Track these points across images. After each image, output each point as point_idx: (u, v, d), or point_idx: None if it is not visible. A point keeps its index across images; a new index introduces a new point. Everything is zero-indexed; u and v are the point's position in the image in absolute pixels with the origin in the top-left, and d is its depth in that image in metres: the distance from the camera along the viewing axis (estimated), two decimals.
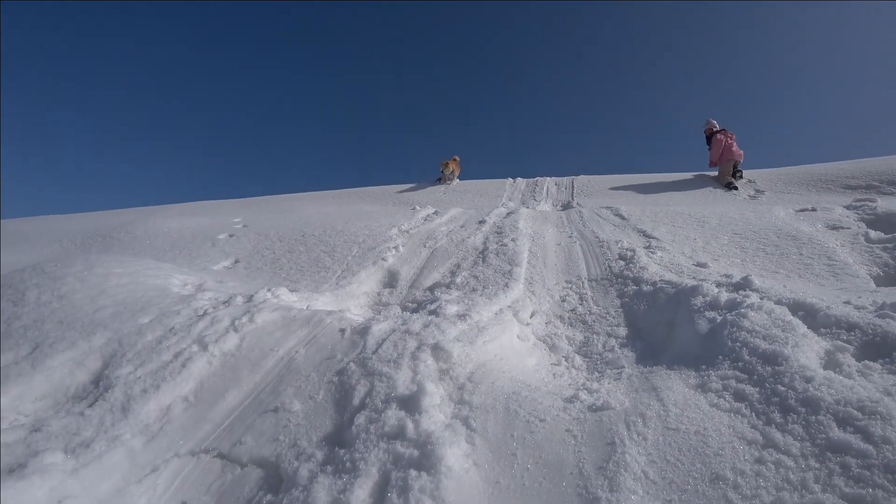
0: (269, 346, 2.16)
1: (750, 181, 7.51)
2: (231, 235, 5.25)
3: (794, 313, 1.92)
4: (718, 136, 8.05)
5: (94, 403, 1.89)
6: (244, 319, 2.34)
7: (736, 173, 7.69)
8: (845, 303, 2.03)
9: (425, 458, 1.33)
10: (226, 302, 2.64)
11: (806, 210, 4.64)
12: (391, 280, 3.55)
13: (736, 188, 7.30)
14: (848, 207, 4.62)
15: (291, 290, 3.09)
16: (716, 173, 8.14)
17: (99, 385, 2.02)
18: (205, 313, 2.45)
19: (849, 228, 3.86)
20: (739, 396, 1.47)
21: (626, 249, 3.57)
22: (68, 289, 2.79)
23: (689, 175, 8.67)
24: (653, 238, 3.98)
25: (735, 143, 7.92)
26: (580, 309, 2.79)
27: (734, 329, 1.81)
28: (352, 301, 3.17)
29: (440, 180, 9.85)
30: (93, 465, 1.58)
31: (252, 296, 2.75)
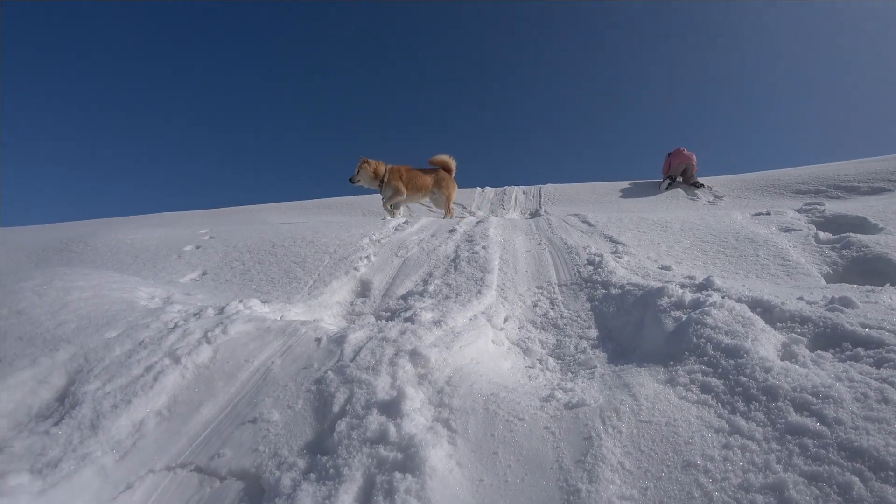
0: (243, 358, 2.13)
1: (709, 187, 7.84)
2: (198, 247, 5.13)
3: (752, 310, 2.03)
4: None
5: (61, 421, 1.82)
6: (217, 331, 2.30)
7: (695, 183, 8.11)
8: (798, 299, 2.15)
9: (409, 461, 1.34)
10: (196, 314, 2.59)
11: (761, 214, 4.87)
12: (364, 290, 3.55)
13: (676, 183, 7.93)
14: (799, 211, 4.88)
15: (263, 302, 3.05)
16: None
17: (65, 402, 1.95)
18: (175, 326, 2.40)
19: (800, 230, 4.08)
20: (706, 388, 1.55)
21: (594, 255, 3.67)
22: (27, 304, 2.68)
23: (651, 181, 8.98)
24: (619, 243, 4.11)
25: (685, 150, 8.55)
26: (552, 313, 2.85)
27: (698, 326, 1.90)
28: (325, 311, 3.15)
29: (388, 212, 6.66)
30: (62, 486, 1.53)
31: (223, 307, 2.71)
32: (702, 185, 7.96)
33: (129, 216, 10.14)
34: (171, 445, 1.74)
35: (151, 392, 1.94)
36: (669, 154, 8.62)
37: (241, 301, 2.86)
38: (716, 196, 7.35)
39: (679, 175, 8.21)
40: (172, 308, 2.75)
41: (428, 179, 6.58)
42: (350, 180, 6.58)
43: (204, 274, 4.23)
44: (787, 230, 4.12)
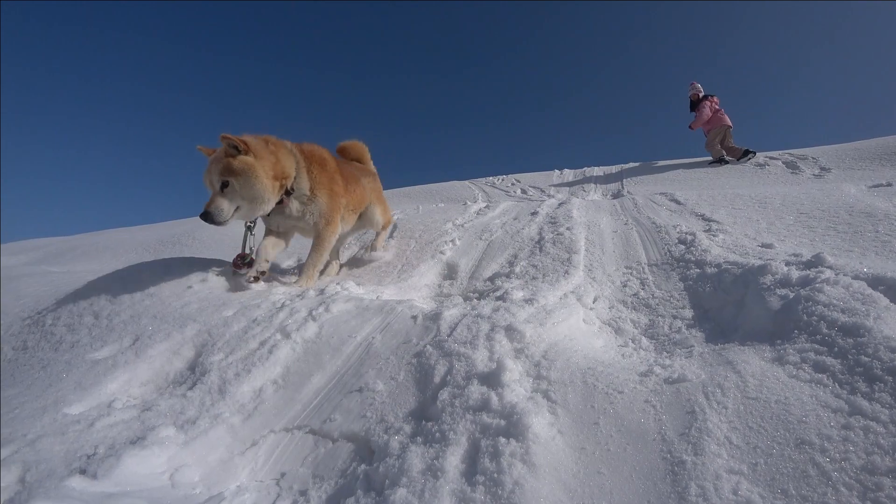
0: (346, 333, 2.29)
1: (814, 159, 7.18)
2: None
3: (873, 287, 1.87)
4: (705, 102, 8.41)
5: (194, 386, 2.07)
6: (320, 309, 2.49)
7: (748, 154, 7.85)
8: None
9: (512, 427, 1.40)
10: (299, 295, 2.81)
11: (881, 185, 4.40)
12: (450, 272, 3.65)
13: (726, 162, 7.73)
14: None
15: (358, 284, 3.24)
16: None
17: (195, 371, 2.20)
18: (283, 305, 2.62)
19: None
20: (820, 368, 1.47)
21: (686, 233, 3.52)
22: (156, 288, 3.03)
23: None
24: (713, 221, 3.89)
25: (722, 110, 8.26)
26: (642, 293, 2.79)
27: (809, 304, 1.79)
28: (415, 293, 3.29)
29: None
30: (200, 439, 1.75)
31: (323, 289, 2.91)
32: (751, 152, 7.66)
33: None
34: (288, 410, 1.92)
35: (268, 363, 2.15)
36: (703, 100, 8.37)
37: (337, 283, 3.05)
38: (822, 168, 6.70)
39: (720, 142, 7.92)
40: (277, 290, 2.99)
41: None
42: None
43: (299, 261, 4.53)
44: None
